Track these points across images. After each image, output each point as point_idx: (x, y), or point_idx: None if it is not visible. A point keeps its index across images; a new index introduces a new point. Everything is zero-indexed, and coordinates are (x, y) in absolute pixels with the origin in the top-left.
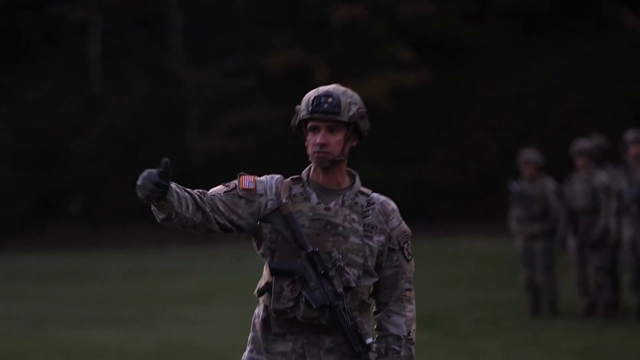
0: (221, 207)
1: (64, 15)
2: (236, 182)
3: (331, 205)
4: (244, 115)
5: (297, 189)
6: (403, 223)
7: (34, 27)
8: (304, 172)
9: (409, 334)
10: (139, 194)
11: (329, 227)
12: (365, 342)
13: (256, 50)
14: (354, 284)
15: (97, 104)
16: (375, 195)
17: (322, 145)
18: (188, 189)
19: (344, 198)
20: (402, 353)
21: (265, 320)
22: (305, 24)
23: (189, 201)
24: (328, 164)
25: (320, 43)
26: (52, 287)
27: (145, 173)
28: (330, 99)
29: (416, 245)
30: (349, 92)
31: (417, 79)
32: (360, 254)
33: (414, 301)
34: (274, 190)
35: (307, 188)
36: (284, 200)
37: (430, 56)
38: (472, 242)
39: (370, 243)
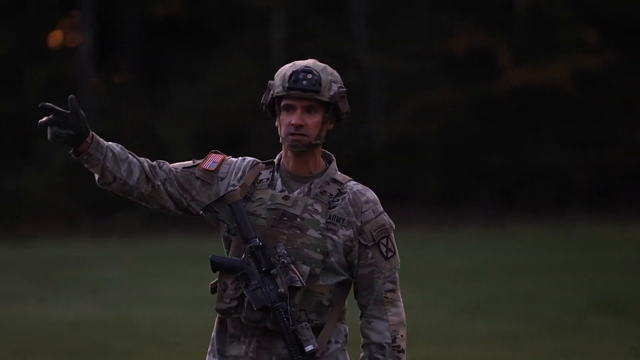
0: (175, 183)
1: (247, 3)
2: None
3: (294, 194)
4: (426, 99)
5: (265, 174)
6: (382, 215)
7: (219, 14)
8: (277, 156)
9: (394, 340)
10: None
11: (285, 218)
12: (304, 349)
13: (438, 34)
14: (298, 284)
15: None
16: (351, 183)
17: (298, 126)
18: (143, 158)
19: (311, 186)
20: None
21: (222, 320)
22: (488, 7)
23: (134, 167)
24: (303, 148)
25: (502, 26)
26: None
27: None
28: (309, 75)
29: (600, 230)
30: (329, 68)
31: (602, 61)
32: (319, 249)
33: (399, 303)
34: (239, 174)
35: (276, 174)
36: (236, 188)
37: (616, 37)
38: None
39: (334, 237)
